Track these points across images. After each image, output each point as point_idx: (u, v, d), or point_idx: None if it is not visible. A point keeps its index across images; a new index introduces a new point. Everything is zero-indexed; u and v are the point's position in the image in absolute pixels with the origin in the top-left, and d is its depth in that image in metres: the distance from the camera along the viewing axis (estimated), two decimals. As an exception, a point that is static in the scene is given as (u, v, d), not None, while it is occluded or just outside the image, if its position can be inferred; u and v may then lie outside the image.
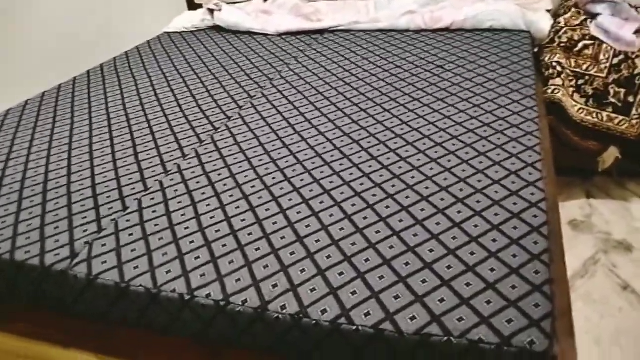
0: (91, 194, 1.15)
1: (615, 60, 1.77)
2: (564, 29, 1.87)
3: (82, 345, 0.97)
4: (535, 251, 0.85)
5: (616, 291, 1.60)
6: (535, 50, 1.92)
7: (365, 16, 2.13)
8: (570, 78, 1.79)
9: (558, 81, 1.77)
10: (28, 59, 2.33)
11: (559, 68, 1.78)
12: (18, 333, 1.02)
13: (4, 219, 1.08)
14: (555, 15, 2.03)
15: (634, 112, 1.75)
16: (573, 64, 1.81)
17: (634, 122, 1.75)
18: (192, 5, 2.66)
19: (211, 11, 2.36)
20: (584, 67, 1.79)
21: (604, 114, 1.76)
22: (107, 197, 1.14)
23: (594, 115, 1.78)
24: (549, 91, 1.75)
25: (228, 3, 2.40)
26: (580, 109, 1.78)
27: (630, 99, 1.76)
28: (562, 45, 1.84)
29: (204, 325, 0.86)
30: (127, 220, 1.04)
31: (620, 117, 1.76)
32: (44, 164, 1.30)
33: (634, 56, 1.77)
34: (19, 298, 1.01)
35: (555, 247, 0.99)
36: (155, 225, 1.02)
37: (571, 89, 1.79)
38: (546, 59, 1.82)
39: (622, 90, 1.76)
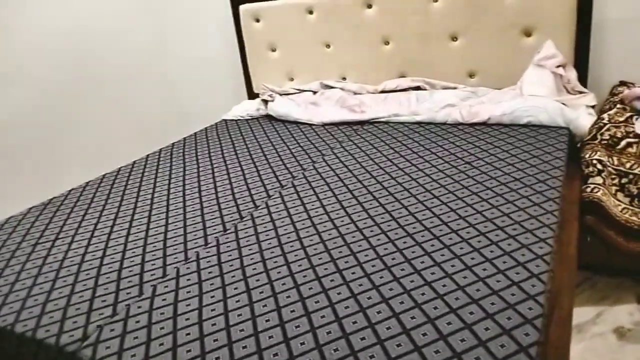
0: (116, 278, 1.26)
1: (663, 159, 1.69)
2: (607, 125, 1.83)
3: None
4: (518, 374, 0.82)
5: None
6: (578, 146, 1.89)
7: (406, 108, 2.21)
8: (613, 176, 1.72)
9: (598, 179, 1.70)
10: (93, 139, 2.61)
11: (599, 166, 1.72)
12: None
13: (37, 297, 1.20)
14: (601, 111, 1.99)
15: (686, 214, 1.64)
16: (616, 162, 1.74)
17: (687, 224, 1.63)
18: (252, 95, 2.89)
19: (265, 102, 2.55)
20: (628, 165, 1.72)
21: (652, 214, 1.66)
22: (129, 281, 1.24)
23: (641, 215, 1.68)
24: (588, 190, 1.69)
25: (281, 94, 2.58)
26: (624, 208, 1.69)
27: (681, 200, 1.65)
28: (604, 142, 1.79)
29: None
30: (139, 307, 1.12)
31: (671, 219, 1.65)
32: (85, 244, 1.44)
33: (683, 155, 1.68)
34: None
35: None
36: (161, 313, 1.09)
37: (614, 188, 1.71)
38: (586, 156, 1.77)
39: (672, 191, 1.66)
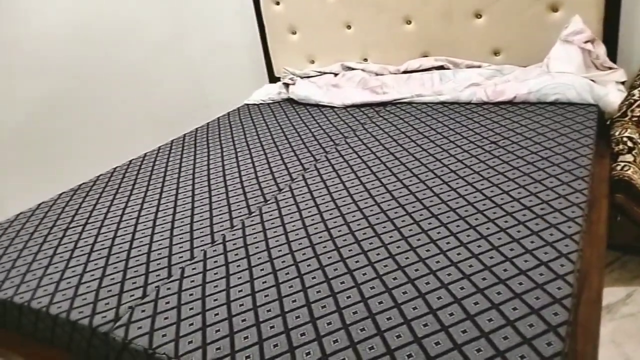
0: (145, 261, 1.28)
1: (697, 136, 1.64)
2: (638, 101, 1.77)
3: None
4: (547, 354, 0.81)
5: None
6: (608, 123, 1.84)
7: (429, 89, 2.18)
8: (644, 154, 1.68)
9: (628, 157, 1.66)
10: (118, 126, 2.66)
11: (630, 143, 1.68)
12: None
13: (70, 280, 1.24)
14: (631, 87, 1.93)
15: None
16: (647, 139, 1.70)
17: None
18: (273, 78, 2.88)
19: (286, 85, 2.54)
20: (660, 142, 1.67)
21: (685, 193, 1.62)
22: (158, 264, 1.26)
23: (673, 194, 1.63)
24: (618, 168, 1.65)
25: (302, 77, 2.57)
26: (656, 187, 1.65)
27: None
28: (635, 119, 1.74)
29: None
30: (168, 288, 1.15)
31: None
32: (115, 229, 1.47)
33: None
34: (77, 353, 1.14)
35: (582, 347, 0.93)
36: (190, 295, 1.11)
37: (645, 166, 1.67)
38: (616, 133, 1.73)
39: None
